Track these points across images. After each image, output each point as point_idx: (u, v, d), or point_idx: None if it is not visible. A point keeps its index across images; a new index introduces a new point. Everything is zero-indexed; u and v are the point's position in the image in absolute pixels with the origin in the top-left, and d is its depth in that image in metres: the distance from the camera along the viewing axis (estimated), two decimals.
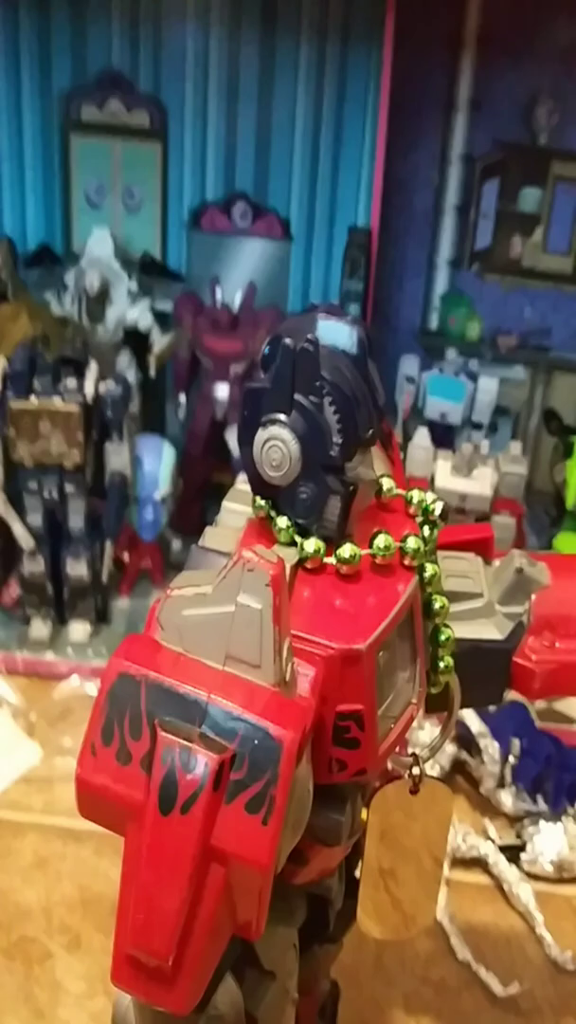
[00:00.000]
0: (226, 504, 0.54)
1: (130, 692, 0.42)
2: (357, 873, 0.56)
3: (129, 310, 1.23)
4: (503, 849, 0.91)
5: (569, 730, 1.02)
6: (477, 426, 1.27)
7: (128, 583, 1.21)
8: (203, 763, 0.40)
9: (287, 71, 1.21)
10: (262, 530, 0.50)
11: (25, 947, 0.82)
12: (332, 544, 0.48)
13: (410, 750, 0.54)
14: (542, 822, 0.91)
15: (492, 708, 0.96)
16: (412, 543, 0.49)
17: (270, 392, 0.47)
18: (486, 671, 0.56)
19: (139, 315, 1.23)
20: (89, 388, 1.07)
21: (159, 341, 1.23)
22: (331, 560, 0.48)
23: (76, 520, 1.10)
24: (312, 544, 0.48)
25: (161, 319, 1.24)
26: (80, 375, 1.08)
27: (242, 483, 0.52)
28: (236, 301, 1.24)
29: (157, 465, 1.17)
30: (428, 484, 1.13)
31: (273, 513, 0.49)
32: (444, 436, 1.24)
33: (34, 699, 1.06)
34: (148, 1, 1.20)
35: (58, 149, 1.26)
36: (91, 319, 1.22)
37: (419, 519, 0.52)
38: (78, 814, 0.43)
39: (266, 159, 1.25)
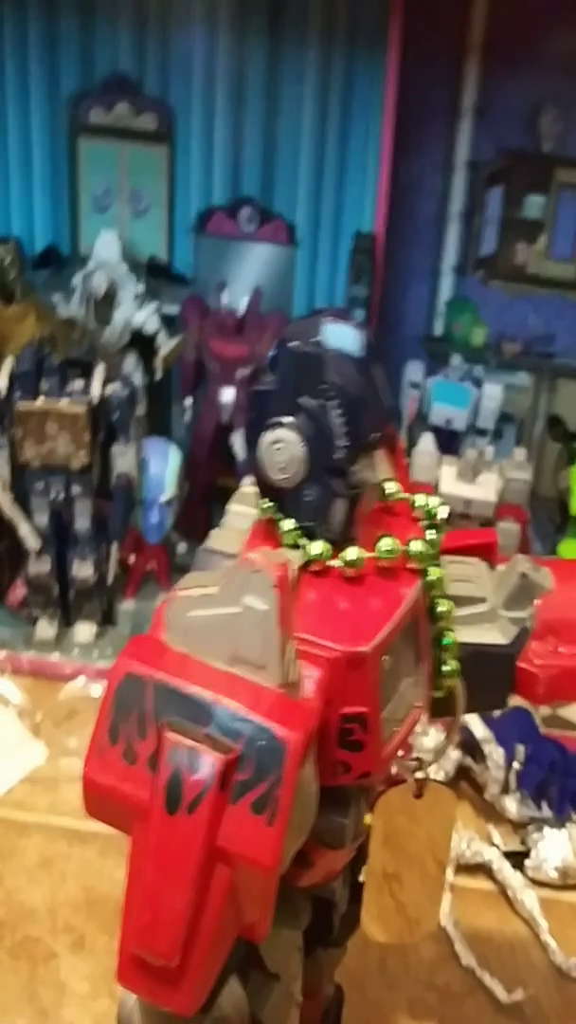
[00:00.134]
0: (232, 506, 0.54)
1: (136, 692, 0.42)
2: (361, 877, 0.56)
3: (136, 313, 1.23)
4: (507, 855, 0.90)
5: (574, 736, 1.02)
6: (481, 432, 1.27)
7: (133, 585, 1.21)
8: (209, 763, 0.40)
9: (294, 77, 1.21)
10: (268, 532, 0.50)
11: (30, 947, 0.82)
12: (337, 547, 0.48)
13: (414, 754, 0.54)
14: (546, 828, 0.91)
15: (496, 713, 0.96)
16: (416, 547, 0.49)
17: (276, 395, 0.47)
18: (490, 676, 0.56)
19: (146, 318, 1.23)
20: (96, 390, 1.07)
21: (165, 344, 1.24)
22: (336, 563, 0.48)
23: (82, 522, 1.10)
24: (317, 547, 0.48)
25: (168, 322, 1.25)
26: (87, 377, 1.08)
27: (247, 485, 0.52)
28: (242, 305, 1.24)
29: (163, 468, 1.17)
30: (432, 490, 1.13)
31: (279, 515, 0.49)
32: (449, 442, 1.24)
33: (40, 699, 1.06)
34: (156, 5, 1.21)
35: (66, 152, 1.26)
36: (98, 321, 1.23)
37: (424, 523, 0.52)
38: (83, 815, 0.43)
39: (272, 164, 1.26)
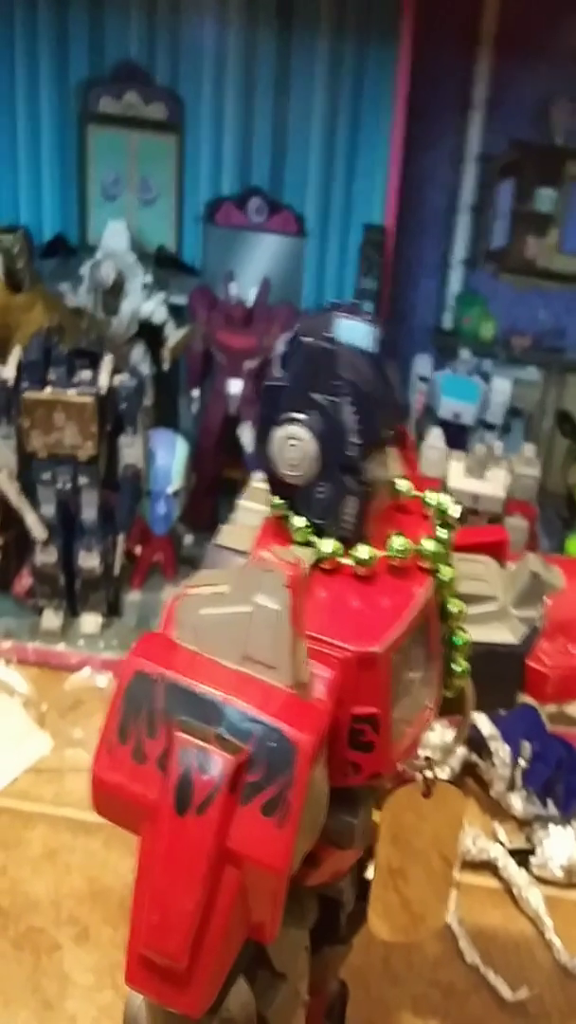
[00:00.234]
0: (242, 502, 0.53)
1: (146, 691, 0.42)
2: (368, 875, 0.56)
3: (144, 303, 1.23)
4: (513, 853, 0.90)
5: None
6: (490, 427, 1.27)
7: (140, 576, 1.21)
8: (219, 764, 0.40)
9: (304, 67, 1.20)
10: (278, 529, 0.49)
11: (33, 938, 0.82)
12: (348, 545, 0.48)
13: (422, 753, 0.54)
14: (552, 826, 0.91)
15: (503, 711, 0.96)
16: (429, 545, 0.49)
17: (288, 390, 0.47)
18: (499, 674, 0.56)
19: (154, 308, 1.23)
20: (103, 380, 1.07)
21: (173, 335, 1.23)
22: (348, 561, 0.47)
23: (89, 512, 1.10)
24: (329, 544, 0.47)
25: (176, 313, 1.24)
26: (95, 367, 1.08)
27: (258, 481, 0.52)
28: (250, 296, 1.24)
29: (170, 459, 1.17)
30: (441, 485, 1.13)
31: (289, 512, 0.49)
32: (457, 437, 1.24)
33: (45, 690, 1.06)
34: None
35: (75, 140, 1.26)
36: (106, 311, 1.22)
37: (436, 521, 0.51)
38: (88, 806, 0.43)
39: (282, 155, 1.25)
